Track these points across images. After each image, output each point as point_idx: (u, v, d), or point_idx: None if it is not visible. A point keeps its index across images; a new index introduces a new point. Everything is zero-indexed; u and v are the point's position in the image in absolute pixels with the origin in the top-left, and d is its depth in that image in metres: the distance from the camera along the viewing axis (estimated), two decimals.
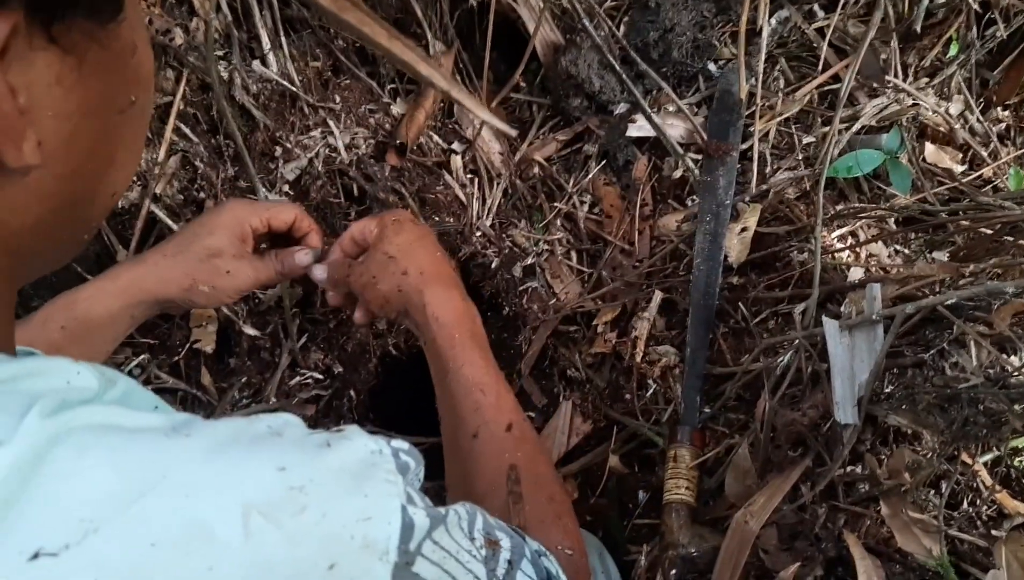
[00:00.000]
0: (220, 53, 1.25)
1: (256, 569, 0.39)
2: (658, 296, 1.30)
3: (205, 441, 0.41)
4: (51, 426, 0.38)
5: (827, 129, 1.28)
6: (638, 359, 1.27)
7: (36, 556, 0.34)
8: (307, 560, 0.40)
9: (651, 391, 1.25)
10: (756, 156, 1.32)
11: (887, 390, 0.96)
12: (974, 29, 1.36)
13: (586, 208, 1.44)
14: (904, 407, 0.88)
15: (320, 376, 1.39)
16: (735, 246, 1.25)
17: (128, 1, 0.44)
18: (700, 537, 1.06)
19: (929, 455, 0.85)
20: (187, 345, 1.31)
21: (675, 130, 1.39)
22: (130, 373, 1.28)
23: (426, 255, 0.90)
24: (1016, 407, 0.77)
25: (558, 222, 1.44)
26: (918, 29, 1.33)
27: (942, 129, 1.34)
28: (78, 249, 0.53)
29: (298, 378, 1.37)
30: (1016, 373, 0.78)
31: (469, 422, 0.80)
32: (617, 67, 1.34)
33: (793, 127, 1.36)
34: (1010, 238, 1.00)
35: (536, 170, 1.47)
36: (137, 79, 0.48)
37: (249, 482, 0.41)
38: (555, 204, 1.44)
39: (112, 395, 0.48)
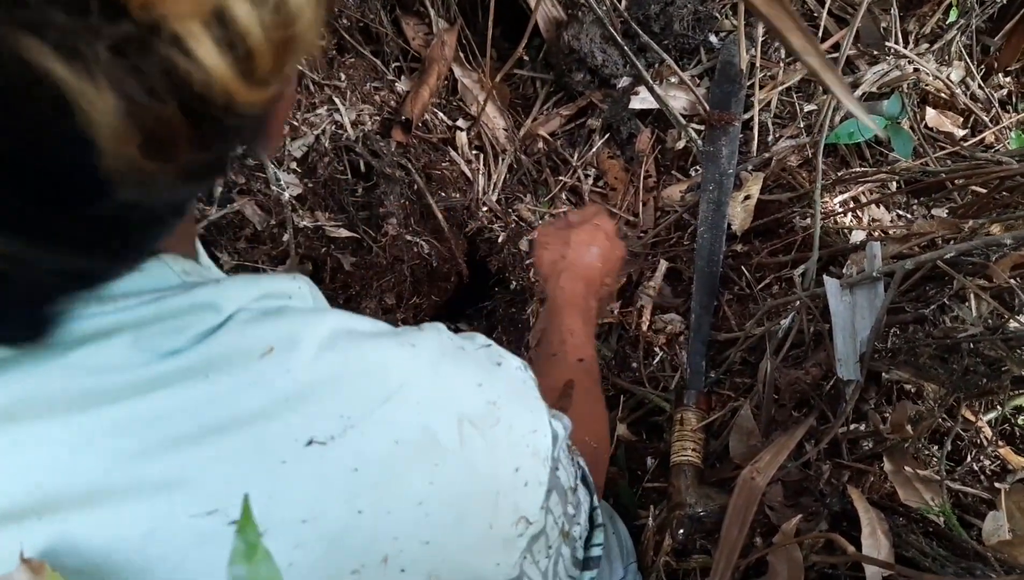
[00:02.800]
0: None
1: (467, 468, 0.47)
2: (663, 265, 1.31)
3: (426, 354, 0.48)
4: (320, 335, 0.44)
5: (827, 96, 1.29)
6: (644, 328, 1.28)
7: (310, 443, 0.41)
8: (501, 463, 0.49)
9: (657, 359, 1.27)
10: (757, 125, 1.33)
11: (889, 346, 0.97)
12: None
13: (591, 181, 1.45)
14: (905, 361, 0.90)
15: None
16: (739, 214, 1.26)
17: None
18: (707, 497, 1.07)
19: (931, 407, 0.86)
20: None
21: (678, 102, 1.40)
22: None
23: (591, 261, 1.03)
24: (1017, 352, 0.78)
25: (563, 196, 1.45)
26: None
27: (943, 95, 1.35)
28: None
29: None
30: (1014, 320, 0.80)
31: (554, 345, 0.93)
32: (619, 40, 1.36)
33: (794, 96, 1.37)
34: (1007, 194, 1.01)
35: (541, 145, 1.48)
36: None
37: (461, 396, 0.49)
38: (560, 178, 1.45)
39: (320, 301, 0.56)
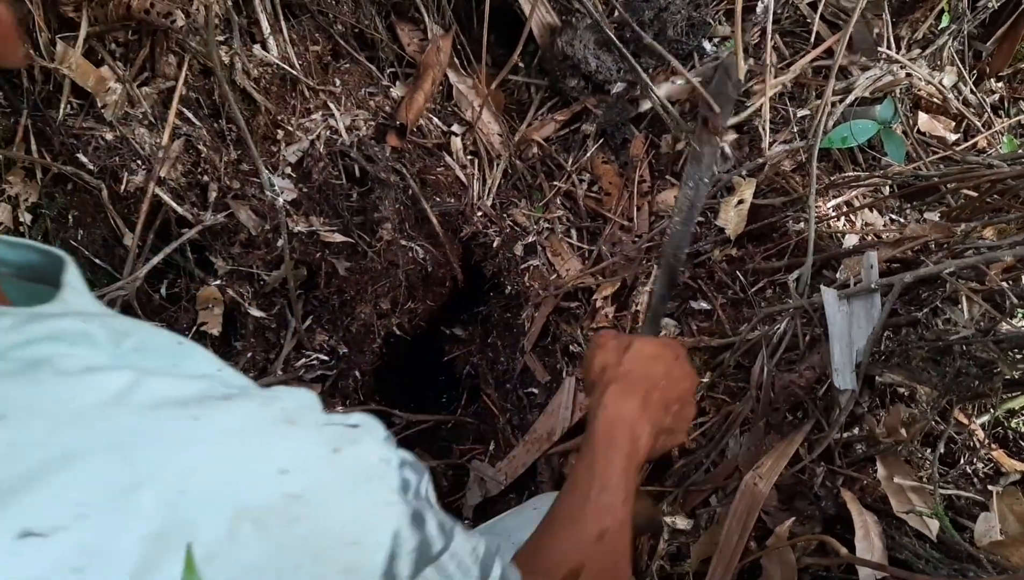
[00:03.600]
0: (221, 38, 1.27)
1: (236, 572, 0.38)
2: (657, 270, 1.31)
3: (212, 430, 0.40)
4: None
5: (820, 102, 1.30)
6: (639, 331, 1.28)
7: (26, 535, 0.34)
8: (290, 571, 0.40)
9: None
10: (751, 130, 1.33)
11: (883, 349, 0.97)
12: (965, 0, 1.37)
13: (585, 186, 1.46)
14: (898, 364, 0.90)
15: (325, 357, 1.41)
16: (732, 219, 1.27)
17: None
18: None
19: (924, 410, 0.86)
20: (194, 328, 1.32)
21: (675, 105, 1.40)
22: None
23: (652, 375, 0.82)
24: (1008, 354, 0.78)
25: (558, 201, 1.45)
26: None
27: (936, 100, 1.36)
28: None
29: (304, 359, 1.39)
30: (1005, 322, 0.80)
31: (575, 499, 0.76)
32: (617, 43, 1.36)
33: (788, 102, 1.38)
34: (998, 197, 1.01)
35: (535, 150, 1.48)
36: None
37: (246, 485, 0.40)
38: (554, 183, 1.46)
39: (125, 348, 0.47)
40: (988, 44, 1.45)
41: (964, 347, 0.82)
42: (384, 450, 0.47)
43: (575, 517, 0.75)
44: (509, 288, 1.43)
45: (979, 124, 1.37)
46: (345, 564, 0.42)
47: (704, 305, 1.26)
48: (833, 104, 1.30)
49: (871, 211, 1.23)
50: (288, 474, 0.41)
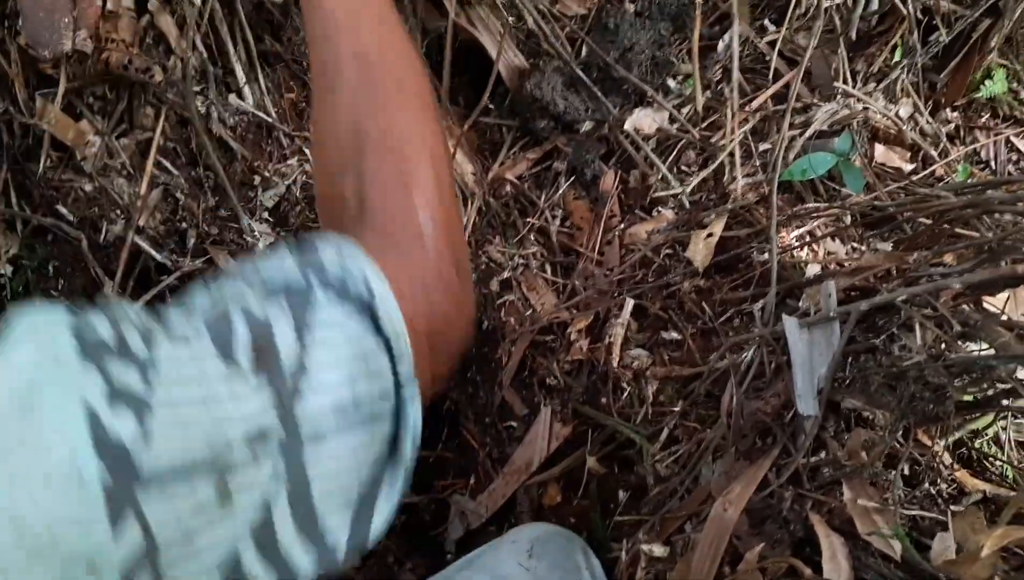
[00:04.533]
0: (197, 88, 1.31)
1: None
2: (630, 303, 1.35)
3: None
4: None
5: (779, 135, 1.34)
6: (614, 364, 1.31)
7: None
8: None
9: (626, 394, 1.30)
10: (715, 166, 1.38)
11: (845, 375, 1.01)
12: (915, 34, 1.42)
13: (558, 222, 1.49)
14: (859, 390, 0.93)
15: None
16: (700, 251, 1.30)
17: None
18: None
19: (882, 434, 0.90)
20: None
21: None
22: None
23: None
24: (958, 380, 0.82)
25: (531, 237, 1.49)
26: (853, 36, 1.40)
27: (892, 131, 1.40)
28: None
29: None
30: (956, 350, 0.84)
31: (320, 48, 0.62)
32: (585, 78, 1.41)
33: (749, 137, 1.42)
34: (948, 225, 1.06)
35: (508, 188, 1.52)
36: None
37: None
38: (528, 220, 1.49)
39: None
40: (942, 76, 1.51)
41: (918, 372, 0.86)
42: (41, 340, 0.36)
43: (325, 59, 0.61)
44: (486, 323, 1.46)
45: (935, 153, 1.42)
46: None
47: (675, 335, 1.29)
48: (793, 138, 1.34)
49: (833, 240, 1.27)
50: None
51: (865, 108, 1.38)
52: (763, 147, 1.38)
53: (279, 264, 0.48)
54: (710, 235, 1.32)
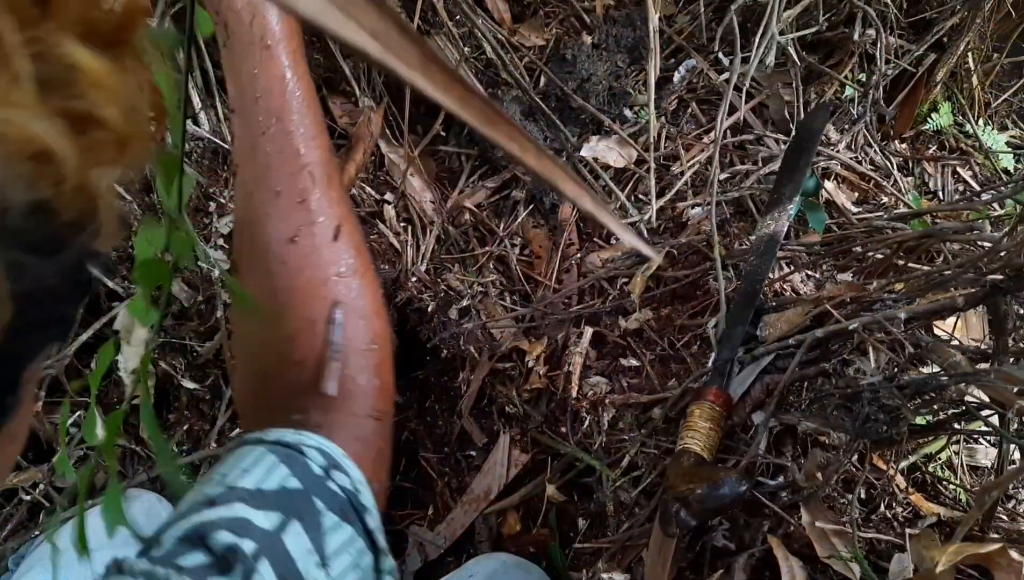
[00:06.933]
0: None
1: None
2: (589, 331, 1.35)
3: None
4: None
5: (744, 166, 1.38)
6: (573, 393, 1.31)
7: None
8: None
9: (586, 423, 1.29)
10: (673, 193, 1.39)
11: (802, 398, 1.02)
12: (864, 69, 1.46)
13: (517, 250, 1.50)
14: (814, 412, 0.94)
15: None
16: (637, 284, 1.32)
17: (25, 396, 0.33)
18: (695, 478, 1.01)
19: (837, 455, 0.90)
20: (127, 402, 1.31)
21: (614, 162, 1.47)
22: (67, 430, 1.28)
23: None
24: (909, 404, 0.83)
25: (491, 265, 1.49)
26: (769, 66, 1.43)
27: (844, 167, 1.44)
28: None
29: (238, 429, 1.38)
30: (907, 372, 0.85)
31: (290, 217, 0.60)
32: (544, 107, 1.42)
33: (707, 165, 1.45)
34: (902, 255, 1.08)
35: (467, 216, 1.52)
36: (5, 465, 0.39)
37: None
38: (487, 248, 1.49)
39: None
40: (890, 108, 1.55)
41: (872, 394, 0.87)
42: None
43: (300, 226, 0.60)
44: (445, 352, 1.45)
45: (888, 184, 1.45)
46: None
47: (634, 362, 1.30)
48: (748, 173, 1.37)
49: (787, 267, 1.29)
50: None
51: (829, 146, 1.41)
52: (723, 176, 1.40)
53: (275, 476, 0.51)
54: (648, 269, 1.33)
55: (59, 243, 0.28)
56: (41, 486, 1.28)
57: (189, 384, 1.34)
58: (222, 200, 1.33)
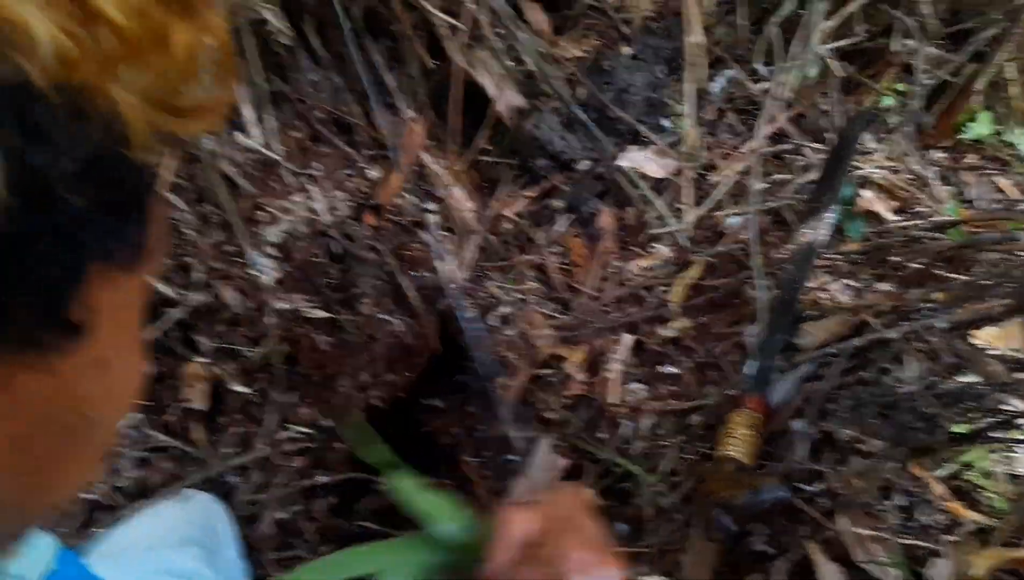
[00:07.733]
0: None
1: None
2: (628, 339, 1.37)
3: None
4: None
5: (782, 176, 1.39)
6: (612, 399, 1.33)
7: None
8: None
9: (625, 428, 1.32)
10: (712, 204, 1.41)
11: (842, 406, 1.03)
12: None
13: (556, 259, 1.52)
14: (852, 419, 0.95)
15: (308, 430, 1.45)
16: (678, 292, 1.34)
17: (100, 318, 0.31)
18: (738, 484, 1.02)
19: (876, 462, 0.92)
20: (177, 404, 1.36)
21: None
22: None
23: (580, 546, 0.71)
24: (950, 409, 0.84)
25: (530, 273, 1.52)
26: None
27: (885, 176, 1.44)
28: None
29: (286, 432, 1.42)
30: (946, 381, 0.86)
31: None
32: (583, 116, 1.45)
33: (745, 177, 1.46)
34: (943, 264, 1.09)
35: (507, 225, 1.55)
36: (104, 396, 0.36)
37: None
38: (526, 256, 1.52)
39: None
40: (929, 118, 1.55)
41: (910, 402, 0.88)
42: None
43: None
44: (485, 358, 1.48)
45: (924, 195, 1.45)
46: None
47: (672, 369, 1.32)
48: (785, 182, 1.38)
49: (826, 276, 1.30)
50: None
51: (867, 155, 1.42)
52: (760, 186, 1.42)
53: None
54: (688, 276, 1.35)
55: (59, 132, 0.27)
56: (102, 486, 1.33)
57: (240, 388, 1.38)
58: (272, 210, 1.37)
